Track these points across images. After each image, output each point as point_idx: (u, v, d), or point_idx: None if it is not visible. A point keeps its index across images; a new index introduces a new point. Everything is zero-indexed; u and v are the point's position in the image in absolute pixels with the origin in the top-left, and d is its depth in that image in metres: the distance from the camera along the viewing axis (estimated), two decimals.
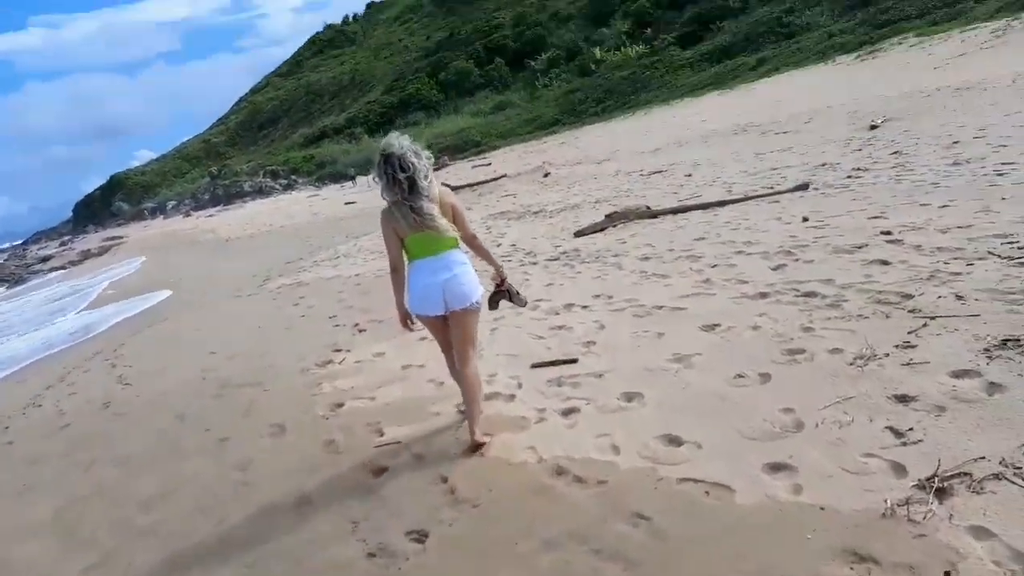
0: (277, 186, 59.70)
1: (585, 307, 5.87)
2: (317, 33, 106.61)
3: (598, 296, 6.11)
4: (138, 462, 4.61)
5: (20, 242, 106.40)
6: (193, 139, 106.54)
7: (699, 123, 24.81)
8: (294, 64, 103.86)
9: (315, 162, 62.19)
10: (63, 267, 36.42)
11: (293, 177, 60.81)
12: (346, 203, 30.78)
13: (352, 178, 46.84)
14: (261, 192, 59.05)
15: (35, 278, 34.69)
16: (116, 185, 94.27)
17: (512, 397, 4.26)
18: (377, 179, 3.62)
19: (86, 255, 40.63)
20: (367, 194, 34.17)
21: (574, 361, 4.60)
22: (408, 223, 3.58)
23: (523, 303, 4.30)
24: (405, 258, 3.74)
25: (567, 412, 3.89)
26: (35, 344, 12.68)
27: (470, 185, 23.93)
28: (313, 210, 31.42)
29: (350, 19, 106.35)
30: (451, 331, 3.82)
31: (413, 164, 3.56)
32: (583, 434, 3.59)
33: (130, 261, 26.75)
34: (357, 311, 7.90)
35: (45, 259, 45.69)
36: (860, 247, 5.78)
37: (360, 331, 6.88)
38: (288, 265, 14.36)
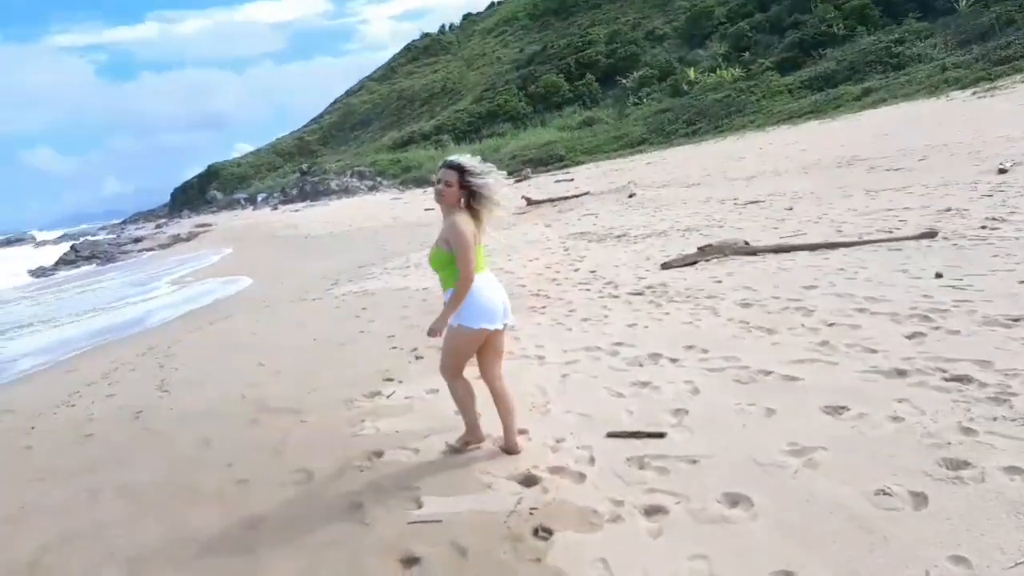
0: (362, 187, 60.57)
1: (675, 360, 5.01)
2: (413, 41, 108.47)
3: (690, 347, 5.24)
4: (147, 499, 4.02)
5: (120, 221, 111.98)
6: (288, 135, 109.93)
7: (798, 152, 23.40)
8: (389, 70, 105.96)
9: (401, 166, 62.89)
10: (152, 249, 37.60)
11: (379, 179, 61.62)
12: (426, 209, 30.52)
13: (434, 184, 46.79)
14: (347, 191, 60.00)
15: (124, 258, 35.90)
16: (213, 174, 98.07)
17: (582, 477, 3.45)
18: (492, 177, 3.75)
19: (175, 239, 41.86)
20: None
21: (661, 436, 3.76)
22: (481, 232, 3.78)
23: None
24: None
25: (651, 511, 3.06)
26: (100, 327, 12.62)
27: (551, 200, 23.22)
28: (393, 214, 31.32)
29: (446, 29, 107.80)
30: (496, 346, 3.92)
31: None
32: (672, 550, 2.75)
33: (211, 252, 27.11)
34: (418, 332, 7.23)
35: (137, 240, 47.35)
36: (1018, 320, 4.74)
37: (417, 358, 6.20)
38: (360, 270, 13.94)
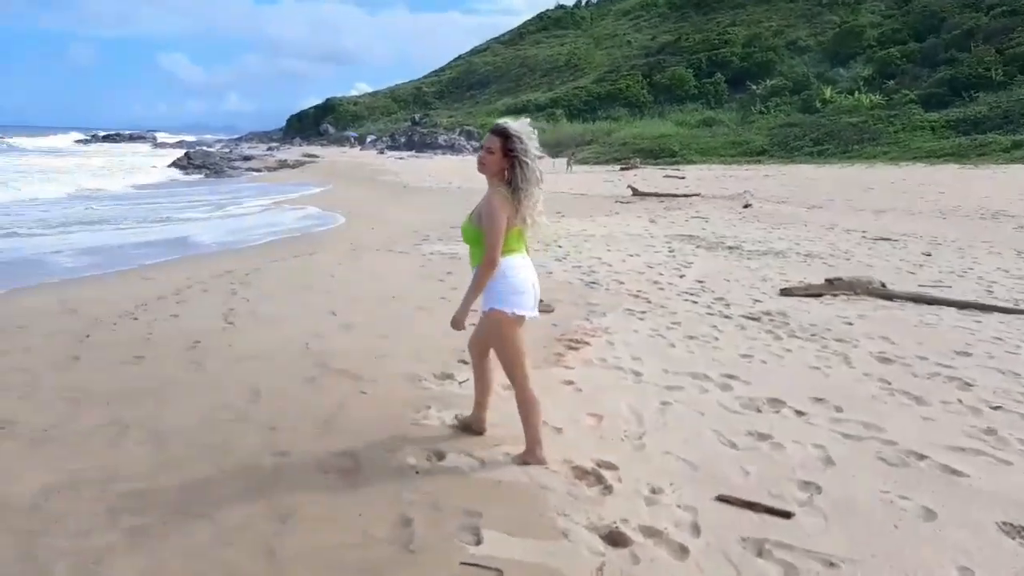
0: (469, 146, 60.52)
1: (801, 414, 4.19)
2: (547, 10, 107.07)
3: (820, 400, 4.40)
4: (171, 452, 3.53)
5: (236, 137, 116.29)
6: (407, 83, 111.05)
7: (936, 194, 21.53)
8: (517, 35, 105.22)
9: None
10: (258, 170, 38.40)
11: None
12: None
13: (539, 157, 46.03)
14: (452, 148, 60.15)
15: (232, 173, 36.79)
16: (329, 108, 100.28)
17: (683, 552, 2.72)
18: (536, 153, 3.40)
19: (282, 164, 42.74)
20: (549, 177, 33.17)
21: (788, 515, 2.99)
22: (523, 212, 3.36)
23: (550, 309, 4.30)
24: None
25: None
26: (184, 237, 12.58)
27: (657, 195, 22.21)
28: None
29: (582, 3, 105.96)
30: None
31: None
32: None
33: (313, 184, 27.24)
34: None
35: (247, 158, 48.70)
36: None
37: None
38: (451, 230, 13.41)
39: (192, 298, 6.94)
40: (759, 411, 4.25)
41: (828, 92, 52.92)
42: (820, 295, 7.82)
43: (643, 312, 6.73)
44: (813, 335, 6.06)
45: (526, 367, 3.50)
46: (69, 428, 3.77)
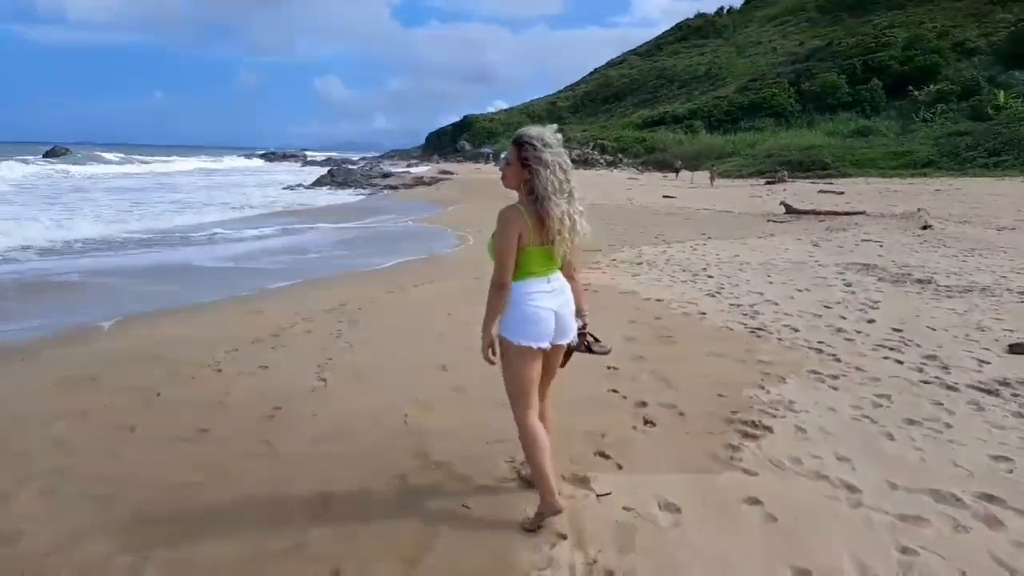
0: (602, 161, 59.19)
1: None
2: (687, 19, 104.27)
3: None
4: None
5: (378, 155, 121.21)
6: (541, 99, 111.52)
7: None
8: (655, 46, 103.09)
9: (645, 145, 60.60)
10: (396, 187, 38.89)
11: (620, 155, 59.89)
12: (664, 196, 28.23)
13: (677, 170, 44.01)
14: (585, 163, 58.97)
15: (371, 189, 37.49)
16: (466, 125, 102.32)
17: None
18: (556, 160, 3.00)
19: (418, 181, 43.24)
20: (688, 192, 31.32)
21: None
22: (549, 228, 3.00)
23: (605, 351, 3.42)
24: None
25: None
26: (301, 262, 12.09)
27: (815, 212, 19.97)
28: (629, 195, 29.37)
29: (724, 11, 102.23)
30: (546, 363, 3.17)
31: (570, 166, 3.10)
32: None
33: (446, 201, 26.87)
34: (648, 373, 5.31)
35: (386, 175, 49.79)
36: None
37: (647, 423, 4.28)
38: (584, 254, 12.19)
39: (291, 341, 6.10)
40: None
41: (1002, 97, 47.58)
42: None
43: (834, 378, 5.20)
44: None
45: (530, 400, 3.12)
46: (74, 557, 2.85)
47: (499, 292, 3.03)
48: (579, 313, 3.27)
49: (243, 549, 2.86)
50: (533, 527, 3.04)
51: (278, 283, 9.78)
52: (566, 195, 3.02)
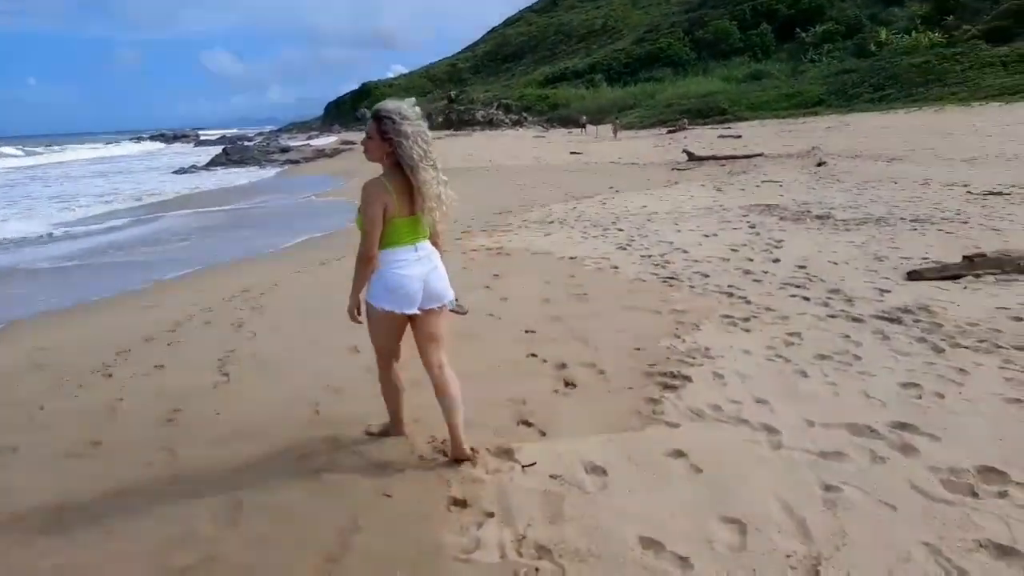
0: (507, 120, 58.82)
1: None
2: None
3: None
4: None
5: (276, 128, 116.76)
6: (441, 61, 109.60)
7: None
8: (550, 2, 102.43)
9: (548, 103, 60.52)
10: (296, 162, 37.54)
11: (524, 114, 59.63)
12: (571, 152, 28.31)
13: (582, 126, 44.20)
14: (491, 124, 58.46)
15: (269, 166, 36.05)
16: (365, 93, 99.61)
17: None
18: (414, 131, 3.10)
19: (319, 154, 41.92)
20: (594, 146, 31.48)
21: None
22: (405, 201, 3.16)
23: (463, 311, 3.70)
24: None
25: None
26: (198, 248, 11.49)
27: (716, 158, 20.42)
28: (535, 153, 29.30)
29: None
30: (426, 329, 3.33)
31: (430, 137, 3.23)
32: None
33: (345, 175, 26.12)
34: (566, 333, 5.25)
35: (284, 150, 47.96)
36: None
37: (568, 384, 4.21)
38: (495, 217, 12.08)
39: (189, 335, 5.73)
40: (976, 495, 2.81)
41: (884, 34, 49.91)
42: (958, 276, 6.25)
43: (746, 320, 5.27)
44: (982, 341, 4.55)
45: (390, 359, 3.48)
46: None
47: (365, 264, 3.17)
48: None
49: (146, 572, 2.62)
50: (376, 431, 3.65)
51: (174, 273, 9.25)
52: (431, 163, 3.14)
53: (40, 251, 12.34)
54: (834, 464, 3.09)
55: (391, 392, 3.54)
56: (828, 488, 2.90)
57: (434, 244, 3.35)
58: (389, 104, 3.18)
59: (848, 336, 4.80)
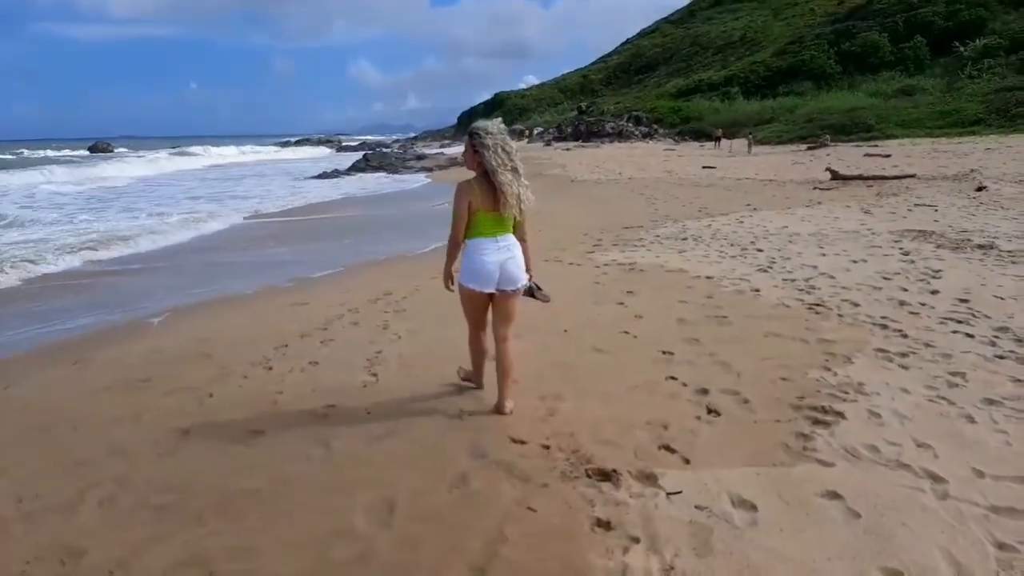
0: (637, 132, 58.30)
1: None
2: None
3: None
4: None
5: (412, 136, 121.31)
6: (573, 72, 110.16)
7: None
8: (687, 13, 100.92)
9: (680, 115, 59.47)
10: (430, 169, 38.82)
11: (655, 126, 58.92)
12: (704, 167, 27.66)
13: (716, 139, 43.07)
14: (620, 135, 58.13)
15: (405, 172, 37.48)
16: (498, 103, 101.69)
17: None
18: (494, 143, 3.89)
19: (453, 162, 43.04)
20: (728, 161, 30.60)
21: None
22: (489, 199, 3.94)
23: (546, 299, 4.45)
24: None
25: None
26: (341, 248, 12.08)
27: (864, 178, 19.35)
28: (667, 166, 28.86)
29: None
30: (500, 309, 4.17)
31: (512, 148, 3.97)
32: None
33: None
34: (705, 356, 5.13)
35: (420, 157, 49.73)
36: None
37: (711, 412, 4.12)
38: (625, 231, 12.00)
39: (339, 335, 6.04)
40: None
41: None
42: None
43: (903, 355, 4.96)
44: None
45: (477, 326, 4.31)
46: (143, 564, 2.82)
47: (453, 246, 4.09)
48: (526, 268, 4.16)
49: (306, 561, 2.79)
50: (462, 376, 4.64)
51: (319, 272, 9.78)
52: (510, 169, 3.88)
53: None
54: (1008, 521, 2.86)
55: (477, 353, 4.43)
56: (1002, 547, 2.69)
57: (520, 237, 4.09)
58: (479, 123, 4.02)
59: (1019, 380, 4.43)
